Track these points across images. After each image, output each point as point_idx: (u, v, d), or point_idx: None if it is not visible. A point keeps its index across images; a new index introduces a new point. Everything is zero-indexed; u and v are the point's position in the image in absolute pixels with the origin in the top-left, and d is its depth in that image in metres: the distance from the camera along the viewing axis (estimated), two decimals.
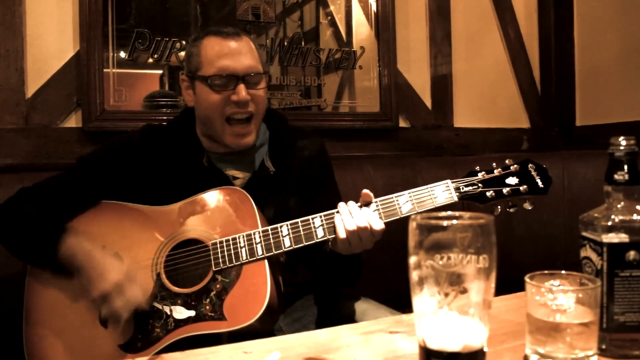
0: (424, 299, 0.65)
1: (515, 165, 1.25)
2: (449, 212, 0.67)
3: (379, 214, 1.22)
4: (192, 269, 1.26)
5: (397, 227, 1.21)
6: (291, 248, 1.23)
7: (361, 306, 1.39)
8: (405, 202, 1.23)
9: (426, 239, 0.64)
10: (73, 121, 1.91)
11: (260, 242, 1.23)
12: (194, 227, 1.30)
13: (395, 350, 0.85)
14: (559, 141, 2.72)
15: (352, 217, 1.20)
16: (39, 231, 1.30)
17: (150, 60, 1.99)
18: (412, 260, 0.66)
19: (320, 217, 1.24)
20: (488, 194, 1.23)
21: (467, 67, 2.56)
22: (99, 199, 1.37)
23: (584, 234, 0.82)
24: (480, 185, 1.24)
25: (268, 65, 2.14)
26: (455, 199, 1.23)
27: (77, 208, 1.36)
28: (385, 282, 1.68)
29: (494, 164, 1.27)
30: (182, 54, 2.01)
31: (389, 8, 2.33)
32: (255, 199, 1.30)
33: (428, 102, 2.48)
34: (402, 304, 1.19)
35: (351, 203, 1.23)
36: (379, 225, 1.19)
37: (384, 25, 2.33)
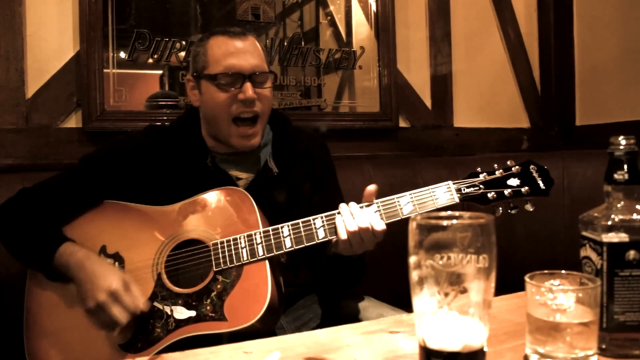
0: (424, 298, 0.65)
1: (517, 167, 1.25)
2: (449, 212, 0.67)
3: (380, 214, 1.22)
4: (193, 269, 1.27)
5: (397, 227, 1.22)
6: (292, 249, 1.23)
7: (362, 304, 1.39)
8: (407, 203, 1.23)
9: (426, 239, 0.64)
10: (73, 121, 1.91)
11: (261, 242, 1.23)
12: (195, 227, 1.30)
13: (395, 350, 0.85)
14: (559, 141, 2.72)
15: (354, 217, 1.20)
16: (37, 237, 1.30)
17: (150, 60, 1.99)
18: (412, 260, 0.66)
19: (322, 217, 1.24)
20: (489, 195, 1.23)
21: (467, 67, 2.56)
22: (101, 198, 1.38)
23: (584, 233, 0.82)
24: (481, 186, 1.24)
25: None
26: (457, 200, 1.23)
27: (79, 208, 1.36)
28: (385, 282, 1.67)
29: (495, 165, 1.27)
30: (182, 54, 2.01)
31: (389, 8, 2.33)
32: (258, 199, 1.30)
33: (428, 102, 2.48)
34: (402, 303, 1.19)
35: (352, 204, 1.23)
36: (380, 226, 1.19)
37: (384, 25, 2.33)
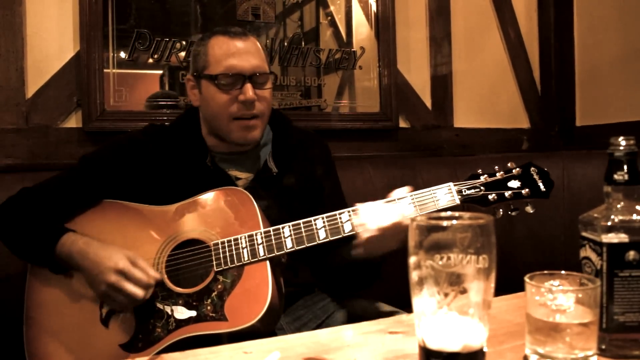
0: (423, 299, 0.65)
1: (518, 169, 1.26)
2: (449, 213, 0.68)
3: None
4: (194, 270, 1.27)
5: None
6: (293, 249, 1.23)
7: (362, 304, 1.39)
8: (408, 204, 1.23)
9: (426, 239, 0.64)
10: (73, 121, 1.91)
11: (262, 243, 1.23)
12: (196, 227, 1.30)
13: (395, 351, 0.85)
14: (559, 141, 2.72)
15: (380, 211, 1.17)
16: (38, 230, 1.30)
17: (151, 60, 1.99)
18: (412, 260, 0.66)
19: (323, 218, 1.24)
20: (490, 197, 1.24)
21: (467, 67, 2.56)
22: (101, 198, 1.38)
23: (584, 234, 0.82)
24: (482, 188, 1.24)
25: None
26: (458, 201, 1.23)
27: (79, 207, 1.36)
28: (385, 282, 1.67)
29: (496, 167, 1.27)
30: (182, 54, 2.01)
31: (389, 8, 2.33)
32: (257, 199, 1.30)
33: (428, 102, 2.48)
34: (401, 304, 1.19)
35: (377, 202, 1.21)
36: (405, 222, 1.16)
37: (384, 25, 2.33)
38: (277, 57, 2.18)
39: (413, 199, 1.23)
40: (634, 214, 0.78)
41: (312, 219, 1.24)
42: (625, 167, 0.79)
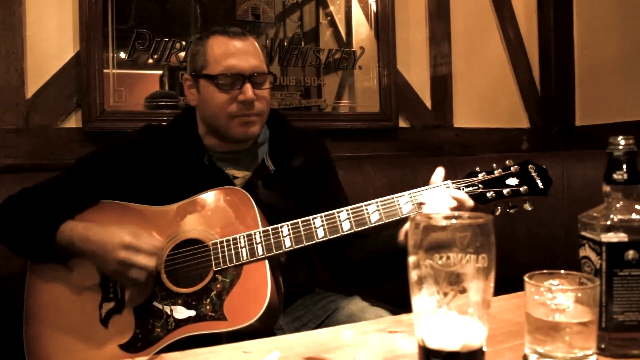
0: (423, 298, 0.65)
1: (516, 166, 1.26)
2: (449, 212, 0.68)
3: (380, 214, 1.22)
4: (193, 269, 1.27)
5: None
6: (292, 248, 1.23)
7: (361, 304, 1.38)
8: (406, 202, 1.23)
9: (425, 239, 0.64)
10: (73, 121, 1.91)
11: (261, 242, 1.23)
12: (194, 227, 1.30)
13: (394, 350, 0.85)
14: (559, 141, 2.72)
15: (443, 197, 1.18)
16: (37, 223, 1.30)
17: (150, 60, 1.99)
18: (411, 259, 0.66)
19: (321, 217, 1.24)
20: (488, 194, 1.24)
21: (467, 67, 2.56)
22: (99, 198, 1.37)
23: (583, 233, 0.82)
24: (480, 186, 1.24)
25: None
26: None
27: (77, 208, 1.36)
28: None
29: (494, 164, 1.27)
30: (182, 54, 2.01)
31: (389, 8, 2.33)
32: (255, 198, 1.30)
33: (428, 102, 2.48)
34: (401, 303, 1.19)
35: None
36: (470, 202, 1.19)
37: (384, 25, 2.33)
38: (276, 57, 2.18)
39: (412, 196, 1.23)
40: (633, 213, 0.78)
41: (310, 217, 1.24)
42: (624, 166, 0.79)
